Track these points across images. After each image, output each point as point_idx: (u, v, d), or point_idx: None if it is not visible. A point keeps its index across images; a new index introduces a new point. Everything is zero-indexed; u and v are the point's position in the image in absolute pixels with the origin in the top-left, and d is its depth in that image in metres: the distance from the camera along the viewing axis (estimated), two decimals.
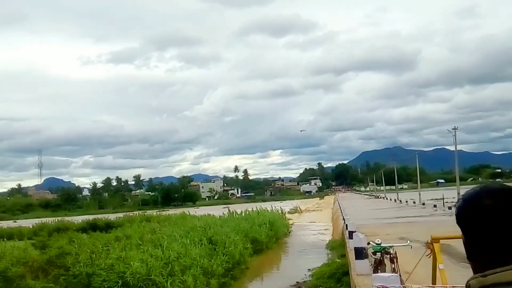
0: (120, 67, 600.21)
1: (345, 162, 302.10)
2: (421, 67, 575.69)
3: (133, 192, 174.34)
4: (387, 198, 69.92)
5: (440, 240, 5.19)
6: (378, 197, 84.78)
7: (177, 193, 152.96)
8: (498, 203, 1.18)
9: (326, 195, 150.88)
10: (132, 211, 64.20)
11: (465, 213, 1.26)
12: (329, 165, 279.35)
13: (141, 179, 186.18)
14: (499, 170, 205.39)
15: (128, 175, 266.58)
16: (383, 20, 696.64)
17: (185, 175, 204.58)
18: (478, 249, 1.22)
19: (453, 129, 46.40)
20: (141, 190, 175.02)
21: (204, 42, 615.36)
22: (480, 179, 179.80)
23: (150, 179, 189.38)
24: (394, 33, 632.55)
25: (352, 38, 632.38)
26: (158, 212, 49.37)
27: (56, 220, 44.55)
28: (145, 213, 52.57)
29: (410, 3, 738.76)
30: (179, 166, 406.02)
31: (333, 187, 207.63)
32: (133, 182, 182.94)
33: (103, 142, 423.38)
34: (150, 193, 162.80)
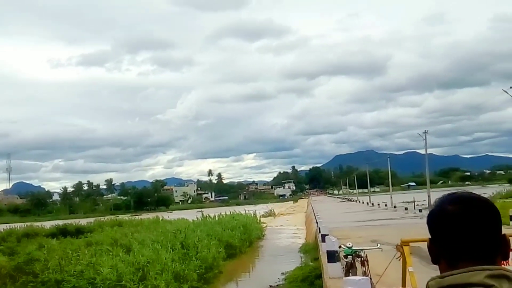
0: (91, 70, 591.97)
1: (319, 165, 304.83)
2: (392, 72, 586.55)
3: (105, 196, 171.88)
4: (359, 201, 70.65)
5: (410, 243, 5.24)
6: (350, 200, 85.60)
7: (150, 197, 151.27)
8: (459, 210, 1.25)
9: (300, 198, 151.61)
10: (103, 216, 63.19)
11: (431, 217, 1.33)
12: (303, 168, 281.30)
13: (113, 183, 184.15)
14: (468, 173, 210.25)
15: (99, 179, 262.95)
16: (355, 25, 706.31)
17: (158, 179, 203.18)
18: (440, 253, 1.29)
19: (423, 133, 47.30)
20: (113, 194, 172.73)
21: (177, 45, 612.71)
22: (450, 182, 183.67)
23: (123, 183, 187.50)
24: (365, 38, 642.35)
25: (325, 43, 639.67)
26: (130, 217, 48.70)
27: (25, 225, 43.42)
28: (117, 217, 51.85)
29: (381, 9, 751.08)
30: (152, 170, 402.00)
31: (306, 190, 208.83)
32: (105, 187, 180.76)
33: (74, 146, 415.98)
34: (122, 197, 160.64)
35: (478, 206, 1.26)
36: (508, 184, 64.30)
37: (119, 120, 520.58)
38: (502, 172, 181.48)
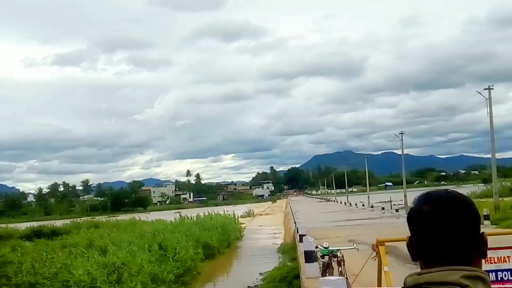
0: (66, 70, 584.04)
1: (297, 166, 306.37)
2: (368, 73, 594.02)
3: (81, 197, 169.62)
4: (337, 201, 71.20)
5: (386, 243, 5.27)
6: (329, 200, 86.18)
7: (128, 198, 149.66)
8: (433, 210, 1.27)
9: (278, 198, 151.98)
10: (80, 217, 62.29)
11: (408, 216, 1.34)
12: (281, 169, 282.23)
13: (89, 184, 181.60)
14: (444, 174, 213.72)
15: (75, 180, 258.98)
16: (331, 27, 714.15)
17: (136, 179, 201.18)
18: (418, 251, 1.30)
19: (400, 133, 47.84)
20: (90, 195, 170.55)
21: (154, 45, 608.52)
22: (426, 182, 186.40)
23: (99, 184, 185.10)
24: (342, 40, 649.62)
25: (302, 44, 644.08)
26: (107, 218, 48.14)
27: None
28: (94, 219, 51.20)
29: (356, 12, 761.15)
30: (130, 171, 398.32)
31: (285, 190, 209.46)
32: (81, 187, 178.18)
33: (49, 146, 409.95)
34: (99, 198, 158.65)
35: (452, 206, 1.27)
36: (482, 184, 65.53)
37: (95, 120, 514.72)
38: (476, 172, 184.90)
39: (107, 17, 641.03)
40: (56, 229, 38.82)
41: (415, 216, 1.30)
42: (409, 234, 1.34)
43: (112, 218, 49.44)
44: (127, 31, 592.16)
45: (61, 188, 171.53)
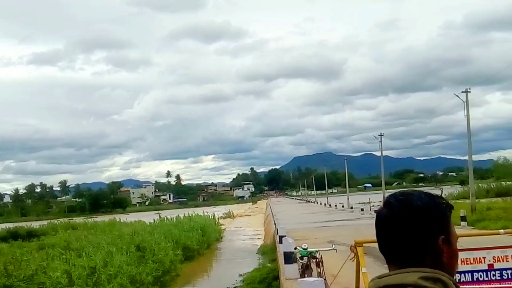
0: (43, 69, 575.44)
1: (278, 167, 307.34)
2: (347, 76, 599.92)
3: (58, 198, 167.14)
4: (317, 202, 71.54)
5: (364, 244, 5.30)
6: (309, 201, 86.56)
7: (106, 199, 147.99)
8: (385, 214, 1.31)
9: (258, 200, 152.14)
10: (57, 219, 61.31)
11: (375, 219, 1.37)
12: (262, 170, 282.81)
13: (67, 185, 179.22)
14: (422, 175, 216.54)
15: (53, 181, 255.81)
16: (311, 29, 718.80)
17: (115, 180, 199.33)
18: (383, 253, 1.33)
19: (379, 135, 48.35)
20: (68, 196, 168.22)
21: (133, 45, 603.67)
22: (404, 183, 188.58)
23: (77, 185, 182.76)
24: (321, 43, 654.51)
25: (282, 46, 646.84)
26: (85, 219, 47.53)
27: None
28: (71, 220, 50.47)
29: (336, 15, 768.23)
30: (108, 172, 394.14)
31: (265, 192, 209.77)
32: (58, 188, 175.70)
33: (26, 146, 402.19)
34: (77, 199, 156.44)
35: (401, 209, 1.28)
36: (460, 186, 66.57)
37: (73, 120, 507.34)
38: (453, 173, 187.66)
39: (85, 16, 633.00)
40: (32, 230, 38.14)
41: (376, 220, 1.34)
42: None
43: (90, 219, 48.85)
44: (105, 31, 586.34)
45: (38, 189, 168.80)
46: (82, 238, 22.12)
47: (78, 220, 49.11)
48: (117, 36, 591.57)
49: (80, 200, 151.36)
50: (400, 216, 1.27)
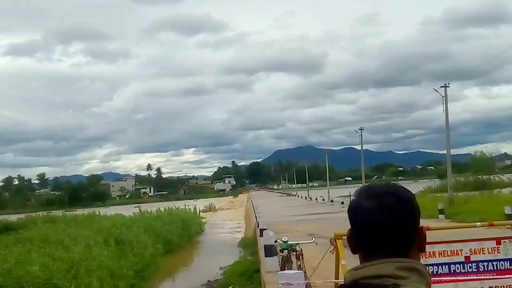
0: (21, 60, 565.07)
1: (259, 160, 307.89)
2: (328, 70, 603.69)
3: (37, 191, 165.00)
4: (298, 196, 71.96)
5: (343, 237, 5.35)
6: (290, 194, 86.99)
7: (86, 192, 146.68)
8: (374, 205, 1.26)
9: (240, 193, 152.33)
10: (36, 212, 60.45)
11: (349, 210, 1.33)
12: (243, 163, 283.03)
13: (46, 177, 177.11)
14: (401, 169, 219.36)
15: (31, 174, 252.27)
16: (292, 23, 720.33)
17: (94, 173, 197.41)
18: (357, 245, 1.30)
19: (359, 129, 48.73)
20: (46, 189, 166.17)
21: (112, 37, 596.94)
22: (384, 177, 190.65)
23: (56, 178, 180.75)
24: (302, 37, 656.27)
25: (263, 39, 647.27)
26: (64, 213, 46.92)
27: None
28: (50, 213, 49.78)
29: (316, 9, 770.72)
30: (88, 165, 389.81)
31: (247, 185, 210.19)
32: (37, 181, 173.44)
33: (3, 139, 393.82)
34: (56, 192, 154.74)
35: (392, 202, 1.27)
36: (438, 179, 67.54)
37: (52, 112, 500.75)
38: (432, 167, 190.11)
39: (63, 7, 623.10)
40: (10, 224, 37.49)
41: (356, 210, 1.29)
42: (350, 227, 1.33)
43: (69, 212, 48.30)
44: (84, 22, 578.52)
45: (16, 182, 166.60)
46: (61, 232, 21.83)
47: (57, 213, 48.51)
48: (95, 28, 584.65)
49: (59, 193, 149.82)
50: (393, 207, 1.25)
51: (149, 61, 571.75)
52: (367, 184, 1.39)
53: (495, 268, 5.43)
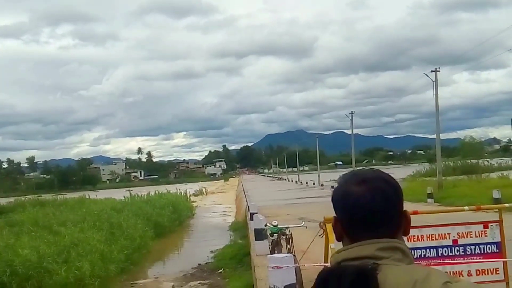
0: (8, 43, 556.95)
1: (249, 144, 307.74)
2: (318, 54, 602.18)
3: (26, 175, 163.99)
4: (289, 180, 72.18)
5: None
6: (280, 178, 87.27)
7: (76, 176, 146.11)
8: (364, 190, 1.26)
9: (230, 177, 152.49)
10: (25, 195, 60.23)
11: (336, 196, 1.33)
12: (234, 147, 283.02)
13: (35, 161, 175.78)
14: (391, 153, 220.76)
15: (20, 157, 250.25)
16: (282, 7, 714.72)
17: (84, 157, 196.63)
18: (344, 231, 1.29)
19: (350, 113, 48.81)
20: (36, 173, 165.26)
21: (100, 19, 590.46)
22: (374, 161, 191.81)
23: (45, 162, 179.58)
24: (292, 20, 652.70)
25: (253, 23, 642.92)
26: (54, 196, 46.75)
27: None
28: (40, 197, 49.60)
29: None
30: (77, 148, 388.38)
31: (237, 169, 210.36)
32: (26, 165, 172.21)
33: None
34: (45, 176, 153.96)
35: (382, 185, 1.28)
36: (428, 164, 68.10)
37: (40, 95, 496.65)
38: (422, 152, 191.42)
39: None
40: None
41: (346, 196, 1.29)
42: (334, 215, 1.33)
43: (59, 196, 48.10)
44: (71, 4, 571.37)
45: (5, 165, 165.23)
46: (51, 215, 21.79)
47: (47, 197, 48.35)
48: (83, 10, 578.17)
49: (49, 176, 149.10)
50: (384, 190, 1.26)
51: (138, 44, 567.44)
52: (351, 170, 1.38)
53: (482, 252, 5.50)
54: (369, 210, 1.25)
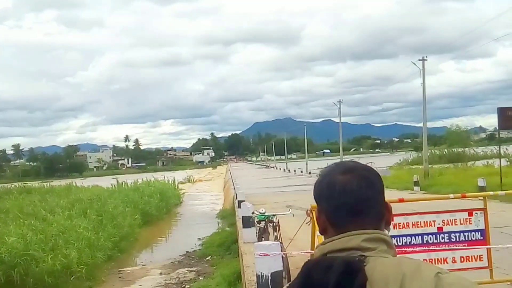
0: None
1: (238, 132, 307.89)
2: (306, 42, 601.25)
3: (12, 162, 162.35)
4: (277, 168, 72.36)
5: None
6: (268, 166, 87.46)
7: (62, 163, 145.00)
8: (352, 178, 1.26)
9: (218, 165, 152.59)
10: (11, 183, 59.69)
11: (320, 188, 1.32)
12: (222, 135, 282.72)
13: (21, 148, 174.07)
14: (379, 141, 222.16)
15: (5, 144, 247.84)
16: None
17: (71, 144, 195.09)
18: (330, 222, 1.28)
19: (338, 102, 48.90)
20: (21, 160, 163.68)
21: (84, 5, 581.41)
22: (361, 149, 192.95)
23: (31, 149, 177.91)
24: (280, 8, 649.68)
25: (240, 10, 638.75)
26: (40, 184, 46.39)
27: None
28: (26, 184, 49.19)
29: None
30: (64, 135, 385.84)
31: (225, 157, 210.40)
32: (11, 152, 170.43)
33: None
34: (31, 163, 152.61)
35: (367, 174, 1.29)
36: (414, 152, 68.68)
37: (25, 82, 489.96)
38: (409, 140, 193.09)
39: None
40: None
41: (332, 185, 1.27)
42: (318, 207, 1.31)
43: (46, 183, 47.73)
44: None
45: None
46: (38, 203, 21.63)
47: (34, 184, 47.96)
48: None
49: (35, 164, 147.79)
50: (369, 179, 1.27)
51: (124, 31, 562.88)
52: (334, 163, 1.38)
53: (467, 239, 5.58)
54: (356, 197, 1.24)
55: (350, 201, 1.24)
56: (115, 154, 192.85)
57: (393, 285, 1.10)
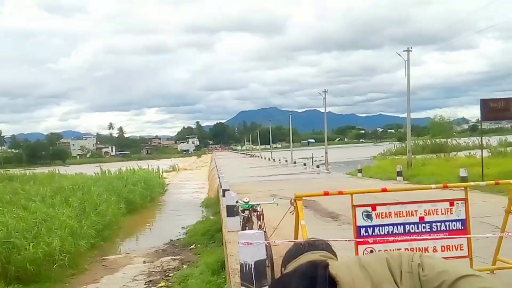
0: None
1: (223, 121, 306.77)
2: (291, 32, 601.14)
3: None
4: (262, 157, 72.48)
5: (304, 198, 5.44)
6: (253, 156, 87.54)
7: (45, 150, 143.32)
8: None
9: (203, 153, 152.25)
10: None
11: None
12: (207, 124, 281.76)
13: (2, 135, 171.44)
14: (363, 131, 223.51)
15: None
16: None
17: (54, 131, 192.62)
18: None
19: (323, 92, 48.97)
20: (3, 147, 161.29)
21: None
22: (346, 139, 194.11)
23: (13, 136, 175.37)
24: None
25: None
26: (22, 171, 45.84)
27: None
28: (8, 172, 48.57)
29: None
30: (46, 122, 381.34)
31: (210, 146, 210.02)
32: None
33: None
34: (13, 150, 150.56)
35: None
36: (398, 142, 69.31)
37: (6, 68, 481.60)
38: (393, 130, 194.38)
39: None
40: None
41: None
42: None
43: (28, 171, 47.18)
44: None
45: None
46: (20, 191, 21.37)
47: (15, 171, 47.39)
48: None
49: (17, 151, 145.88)
50: None
51: (107, 17, 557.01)
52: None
53: (448, 229, 5.65)
54: None
55: None
56: (98, 142, 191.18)
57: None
